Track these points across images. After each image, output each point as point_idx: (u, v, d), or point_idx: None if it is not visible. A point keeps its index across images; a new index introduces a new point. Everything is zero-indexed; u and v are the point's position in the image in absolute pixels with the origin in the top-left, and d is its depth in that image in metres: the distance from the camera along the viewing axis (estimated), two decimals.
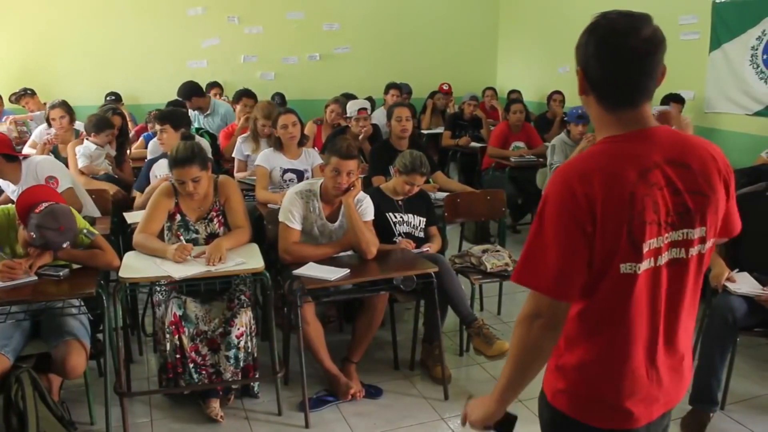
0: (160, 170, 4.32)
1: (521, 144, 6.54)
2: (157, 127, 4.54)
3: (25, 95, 6.83)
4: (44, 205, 2.92)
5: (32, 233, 2.89)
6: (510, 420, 1.67)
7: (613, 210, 1.41)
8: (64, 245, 2.99)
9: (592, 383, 1.56)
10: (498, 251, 4.18)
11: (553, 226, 1.44)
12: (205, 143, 4.90)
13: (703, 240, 1.52)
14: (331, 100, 6.16)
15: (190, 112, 6.23)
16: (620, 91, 1.48)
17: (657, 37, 1.44)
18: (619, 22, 1.45)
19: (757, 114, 5.70)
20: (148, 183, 4.36)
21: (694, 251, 1.52)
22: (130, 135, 6.62)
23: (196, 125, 6.09)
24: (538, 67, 8.84)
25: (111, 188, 4.59)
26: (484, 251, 4.16)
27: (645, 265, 1.46)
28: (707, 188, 1.50)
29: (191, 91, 6.30)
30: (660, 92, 6.35)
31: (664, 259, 1.48)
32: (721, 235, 1.61)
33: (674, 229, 1.47)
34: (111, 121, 5.07)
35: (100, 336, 3.34)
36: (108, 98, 7.00)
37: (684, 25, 6.28)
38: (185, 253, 3.22)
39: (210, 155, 4.67)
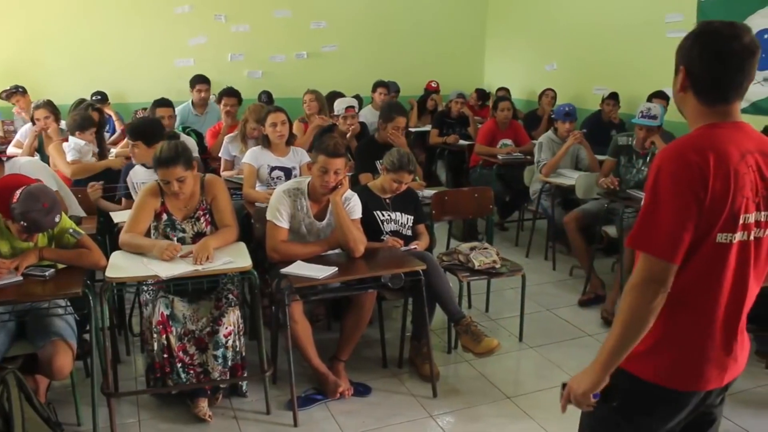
0: (137, 177, 4.19)
1: (509, 142, 6.55)
2: (129, 141, 4.36)
3: (16, 93, 6.76)
4: (18, 192, 2.89)
5: (21, 222, 2.88)
6: (614, 388, 1.72)
7: (722, 182, 1.57)
8: (56, 220, 2.99)
9: (676, 349, 1.69)
10: (486, 249, 4.19)
11: (668, 192, 1.58)
12: (191, 142, 4.88)
13: None
14: (305, 92, 6.21)
15: (180, 108, 6.23)
16: (719, 89, 1.66)
17: (755, 44, 1.63)
18: (723, 29, 1.63)
19: (743, 111, 5.69)
20: (127, 188, 4.27)
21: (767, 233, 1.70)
22: (117, 134, 6.62)
23: (179, 124, 6.04)
24: (526, 65, 8.85)
25: (115, 163, 4.71)
26: (472, 249, 4.17)
27: (738, 236, 1.62)
28: None
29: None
30: (646, 89, 6.37)
31: (751, 235, 1.65)
32: None
33: (758, 210, 1.65)
34: (93, 119, 5.04)
35: (86, 336, 3.32)
36: (93, 97, 6.93)
37: (670, 23, 6.31)
38: (174, 252, 3.21)
39: (197, 153, 4.64)
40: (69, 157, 4.76)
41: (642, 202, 1.69)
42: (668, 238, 1.57)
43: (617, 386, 1.72)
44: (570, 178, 5.47)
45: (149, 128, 4.28)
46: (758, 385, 3.66)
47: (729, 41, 1.61)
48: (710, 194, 1.56)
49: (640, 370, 1.72)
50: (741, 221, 1.61)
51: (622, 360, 1.67)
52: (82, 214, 4.05)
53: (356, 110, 5.53)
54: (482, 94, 8.73)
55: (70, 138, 4.83)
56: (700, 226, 1.58)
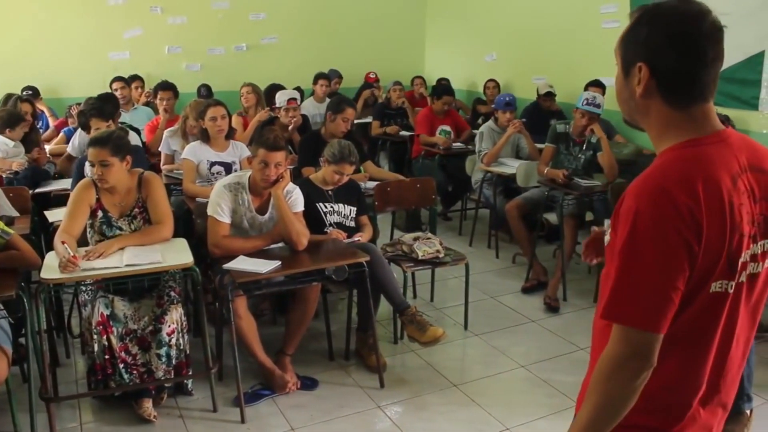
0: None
1: (447, 128, 6.59)
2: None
3: None
4: None
5: None
6: None
7: (717, 223, 1.23)
8: None
9: (657, 411, 1.37)
10: (429, 239, 4.22)
11: (652, 248, 1.23)
12: (134, 137, 4.77)
13: None
14: (242, 86, 6.18)
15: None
16: (695, 83, 1.30)
17: (719, 21, 1.29)
18: (682, 8, 1.29)
19: None
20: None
21: (766, 265, 1.36)
22: (50, 129, 6.42)
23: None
24: (466, 55, 8.92)
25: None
26: (416, 239, 4.20)
27: (734, 282, 1.30)
28: None
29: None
30: (582, 79, 6.47)
31: (745, 275, 1.31)
32: None
33: (755, 242, 1.31)
34: (21, 115, 4.89)
35: (22, 340, 3.22)
36: (24, 92, 6.71)
37: (605, 13, 6.44)
38: (69, 268, 2.98)
39: (135, 149, 4.52)
40: None
41: (606, 234, 1.38)
42: (653, 305, 1.23)
43: None
44: (511, 166, 5.54)
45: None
46: None
47: (697, 21, 1.27)
48: (705, 241, 1.22)
49: None
50: (739, 264, 1.28)
51: None
52: (15, 213, 3.92)
53: (298, 102, 5.49)
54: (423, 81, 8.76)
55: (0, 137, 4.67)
56: (692, 280, 1.24)
